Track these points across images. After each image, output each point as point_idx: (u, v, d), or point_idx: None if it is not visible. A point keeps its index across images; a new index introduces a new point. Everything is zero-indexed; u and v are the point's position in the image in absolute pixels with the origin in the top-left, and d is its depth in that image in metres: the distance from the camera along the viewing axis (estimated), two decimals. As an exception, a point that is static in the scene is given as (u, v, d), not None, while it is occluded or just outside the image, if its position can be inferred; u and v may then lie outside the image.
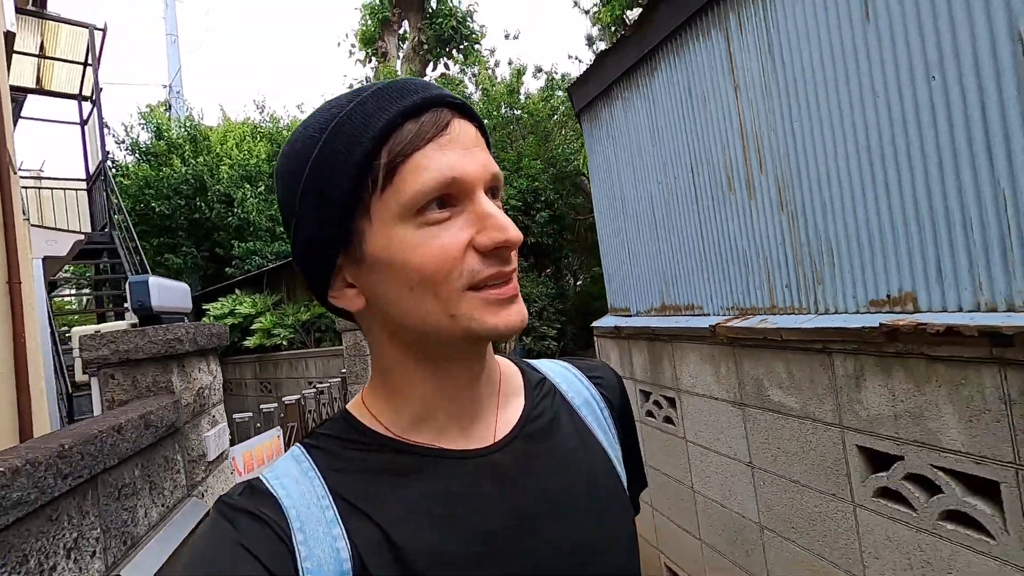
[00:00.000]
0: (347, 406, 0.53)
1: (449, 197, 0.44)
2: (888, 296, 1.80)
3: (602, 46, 11.14)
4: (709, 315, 2.73)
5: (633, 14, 8.23)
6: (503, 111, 11.87)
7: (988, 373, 1.44)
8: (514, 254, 0.46)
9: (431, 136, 0.43)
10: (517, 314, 0.46)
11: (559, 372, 0.62)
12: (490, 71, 15.41)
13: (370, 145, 0.42)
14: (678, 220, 2.93)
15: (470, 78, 14.33)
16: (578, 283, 12.41)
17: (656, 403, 3.18)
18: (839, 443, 1.94)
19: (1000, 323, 1.38)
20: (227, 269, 12.03)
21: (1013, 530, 1.42)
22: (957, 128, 1.54)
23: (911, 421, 1.67)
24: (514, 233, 0.44)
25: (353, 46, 9.87)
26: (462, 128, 0.45)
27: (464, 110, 0.47)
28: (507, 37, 15.94)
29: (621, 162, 3.46)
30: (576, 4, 11.54)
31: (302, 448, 0.49)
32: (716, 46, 2.48)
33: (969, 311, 1.55)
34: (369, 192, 0.43)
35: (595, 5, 8.77)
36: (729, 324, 2.43)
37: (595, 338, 3.94)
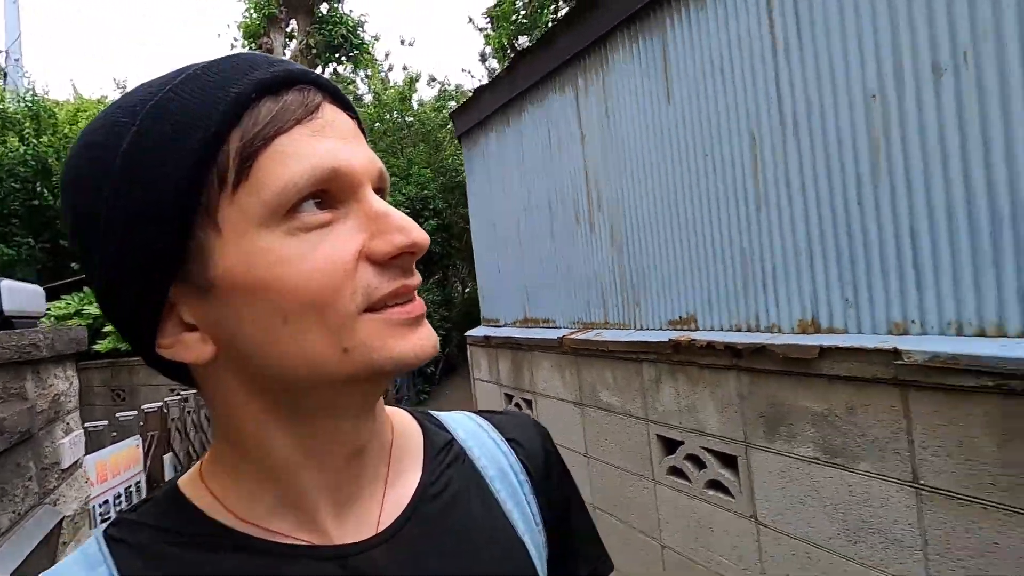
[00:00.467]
0: (177, 481, 0.40)
1: (329, 195, 0.34)
2: (679, 317, 2.32)
3: (494, 63, 11.65)
4: (560, 328, 3.17)
5: (522, 41, 8.79)
6: (394, 117, 11.93)
7: (732, 377, 1.97)
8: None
9: (299, 117, 0.34)
10: (428, 338, 0.36)
11: (471, 431, 0.50)
12: (383, 75, 15.33)
13: (214, 127, 0.32)
14: (538, 245, 3.35)
15: (362, 79, 14.15)
16: (466, 290, 12.77)
17: (517, 405, 3.57)
18: (645, 433, 2.43)
19: (737, 340, 1.90)
20: (72, 264, 10.75)
21: (744, 490, 1.96)
22: (718, 194, 2.07)
23: (689, 414, 2.18)
24: (419, 235, 0.35)
25: (236, 39, 9.40)
26: (336, 115, 0.36)
27: (337, 96, 0.38)
28: (402, 43, 15.99)
29: (495, 187, 3.83)
30: (471, 20, 11.93)
31: (101, 540, 0.36)
32: (569, 100, 2.93)
33: (725, 330, 2.08)
34: (215, 192, 0.32)
35: (486, 26, 9.22)
36: (573, 336, 2.88)
37: (468, 347, 4.27)
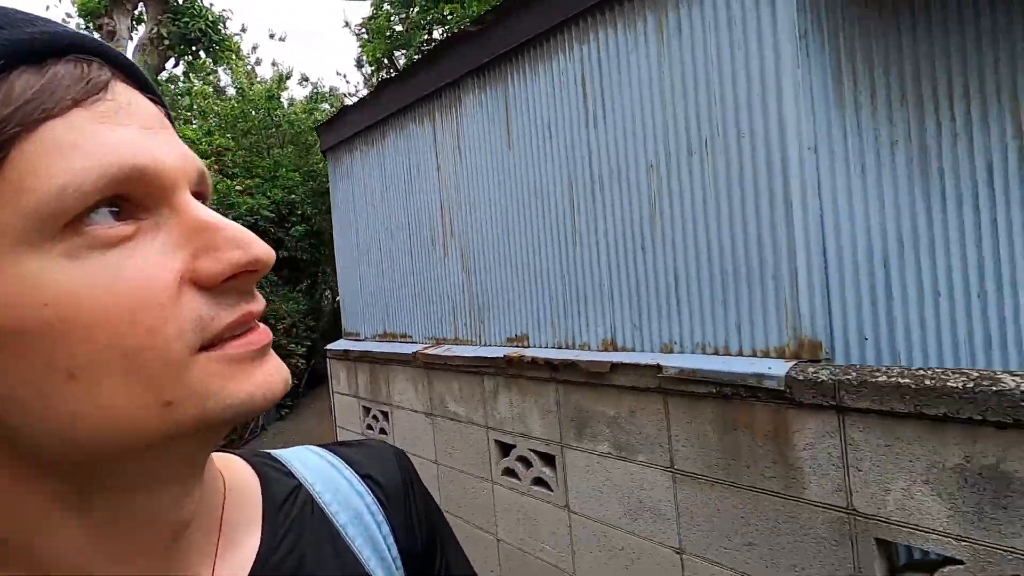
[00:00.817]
0: None
1: (129, 202, 0.27)
2: (516, 335, 2.64)
3: (371, 70, 11.56)
4: (417, 343, 3.37)
5: (398, 55, 8.88)
6: (261, 115, 11.30)
7: (551, 387, 2.32)
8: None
9: (78, 96, 0.26)
10: (276, 372, 0.30)
11: (321, 472, 0.43)
12: (250, 67, 14.38)
13: None
14: (398, 262, 3.52)
15: (225, 70, 13.18)
16: (336, 298, 12.37)
17: (375, 417, 3.69)
18: (485, 439, 2.71)
19: (554, 356, 2.26)
20: None
21: (560, 484, 2.31)
22: (546, 232, 2.43)
23: (520, 420, 2.50)
24: (261, 249, 0.29)
25: (68, 15, 8.28)
26: (133, 98, 0.29)
27: (133, 73, 0.30)
28: (272, 37, 15.14)
29: (359, 204, 3.93)
30: (347, 24, 11.70)
31: None
32: (427, 132, 3.16)
33: (550, 347, 2.43)
34: None
35: (363, 34, 9.18)
36: (426, 351, 3.09)
37: (328, 360, 4.29)
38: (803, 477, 1.53)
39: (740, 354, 1.76)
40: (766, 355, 1.68)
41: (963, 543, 1.26)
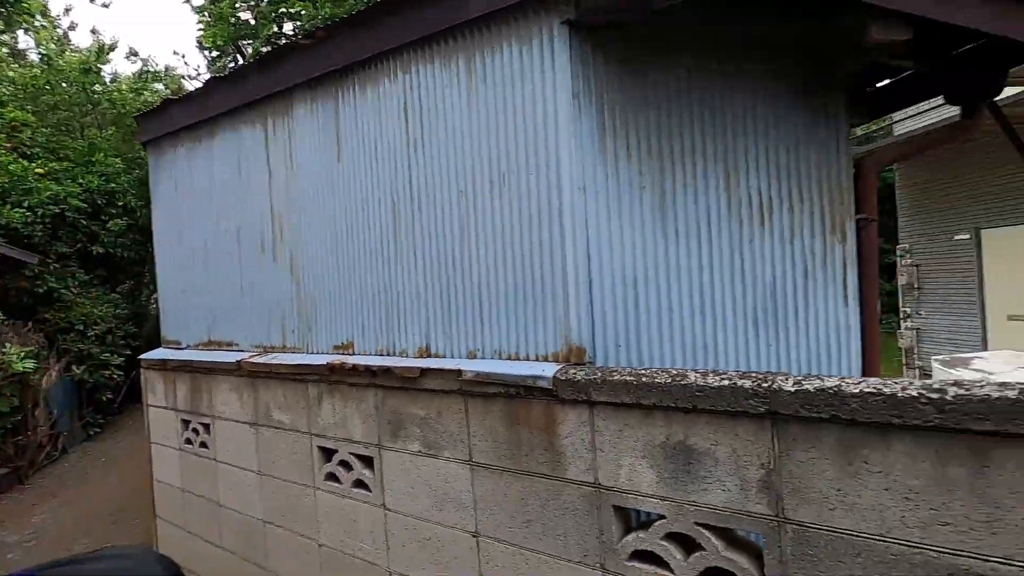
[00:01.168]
0: None
1: None
2: (343, 343, 2.72)
3: (213, 55, 10.64)
4: (244, 351, 3.26)
5: (244, 44, 8.34)
6: (73, 89, 9.82)
7: (371, 392, 2.45)
8: None
9: None
10: None
11: None
12: (61, 31, 12.43)
13: None
14: (226, 267, 3.38)
15: (27, 31, 11.23)
16: (166, 302, 11.10)
17: (194, 430, 3.48)
18: (309, 446, 2.75)
19: (373, 363, 2.39)
20: None
21: (378, 484, 2.44)
22: (372, 244, 2.55)
23: (342, 426, 2.58)
24: None
25: None
26: None
27: None
28: (92, 0, 13.19)
29: (183, 202, 3.69)
30: (187, 1, 10.68)
31: None
32: (259, 137, 3.11)
33: (374, 354, 2.56)
34: None
35: (205, 18, 8.45)
36: (251, 360, 3.02)
37: (141, 371, 3.94)
38: (565, 460, 1.85)
39: (528, 359, 2.05)
40: (546, 359, 1.99)
41: (665, 502, 1.64)
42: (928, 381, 1.28)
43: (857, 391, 1.31)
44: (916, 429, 1.25)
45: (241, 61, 10.02)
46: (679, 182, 2.06)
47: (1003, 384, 1.18)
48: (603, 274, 1.97)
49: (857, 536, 1.34)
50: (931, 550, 1.25)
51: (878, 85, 2.80)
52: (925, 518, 1.26)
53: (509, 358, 2.09)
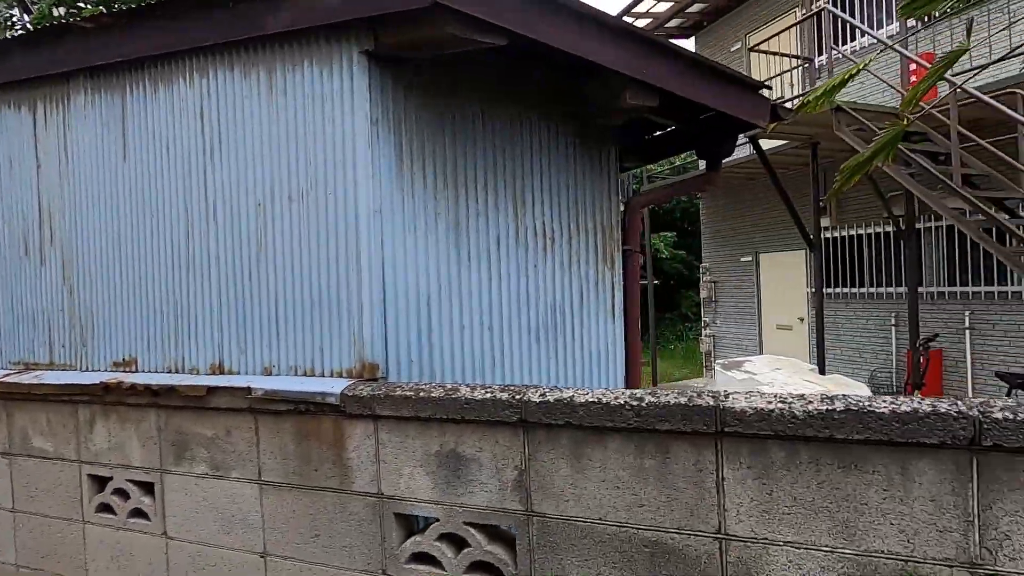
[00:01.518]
0: None
1: None
2: (124, 359, 2.48)
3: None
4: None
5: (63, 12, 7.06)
6: None
7: (153, 413, 2.27)
8: None
9: None
10: None
11: None
12: None
13: None
14: (-24, 270, 2.87)
15: None
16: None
17: (-75, 464, 2.88)
18: (77, 475, 2.45)
19: (154, 381, 2.23)
20: None
21: (159, 511, 2.27)
22: (161, 252, 2.38)
23: (119, 450, 2.35)
24: None
25: None
26: None
27: None
28: None
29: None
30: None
31: None
32: (26, 122, 2.70)
33: (161, 372, 2.37)
34: None
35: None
36: (5, 379, 2.61)
37: None
38: (352, 473, 1.91)
39: (323, 374, 2.07)
40: (340, 375, 2.04)
41: (439, 506, 1.78)
42: (634, 391, 1.59)
43: (583, 401, 1.58)
44: (624, 430, 1.55)
45: (27, 18, 8.48)
46: (472, 210, 2.25)
47: (683, 393, 1.51)
48: (398, 293, 2.08)
49: (584, 522, 1.61)
50: (633, 528, 1.55)
51: (656, 134, 3.31)
52: (630, 502, 1.55)
53: (305, 374, 2.09)
